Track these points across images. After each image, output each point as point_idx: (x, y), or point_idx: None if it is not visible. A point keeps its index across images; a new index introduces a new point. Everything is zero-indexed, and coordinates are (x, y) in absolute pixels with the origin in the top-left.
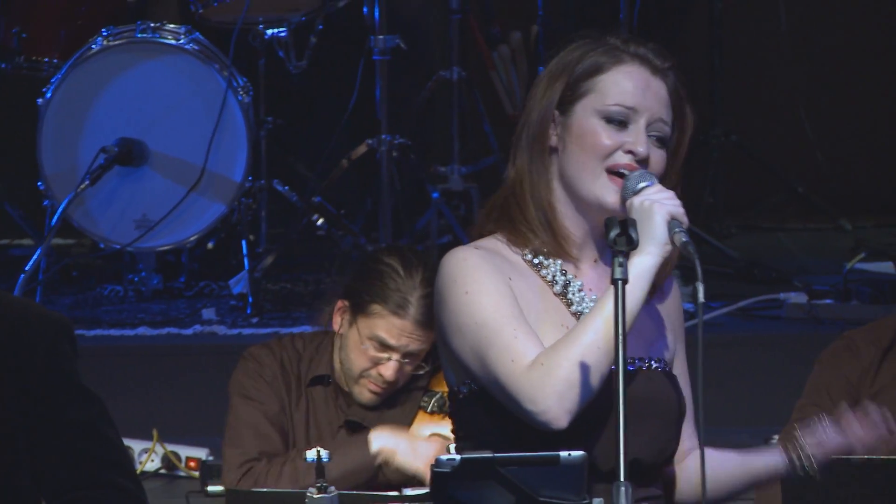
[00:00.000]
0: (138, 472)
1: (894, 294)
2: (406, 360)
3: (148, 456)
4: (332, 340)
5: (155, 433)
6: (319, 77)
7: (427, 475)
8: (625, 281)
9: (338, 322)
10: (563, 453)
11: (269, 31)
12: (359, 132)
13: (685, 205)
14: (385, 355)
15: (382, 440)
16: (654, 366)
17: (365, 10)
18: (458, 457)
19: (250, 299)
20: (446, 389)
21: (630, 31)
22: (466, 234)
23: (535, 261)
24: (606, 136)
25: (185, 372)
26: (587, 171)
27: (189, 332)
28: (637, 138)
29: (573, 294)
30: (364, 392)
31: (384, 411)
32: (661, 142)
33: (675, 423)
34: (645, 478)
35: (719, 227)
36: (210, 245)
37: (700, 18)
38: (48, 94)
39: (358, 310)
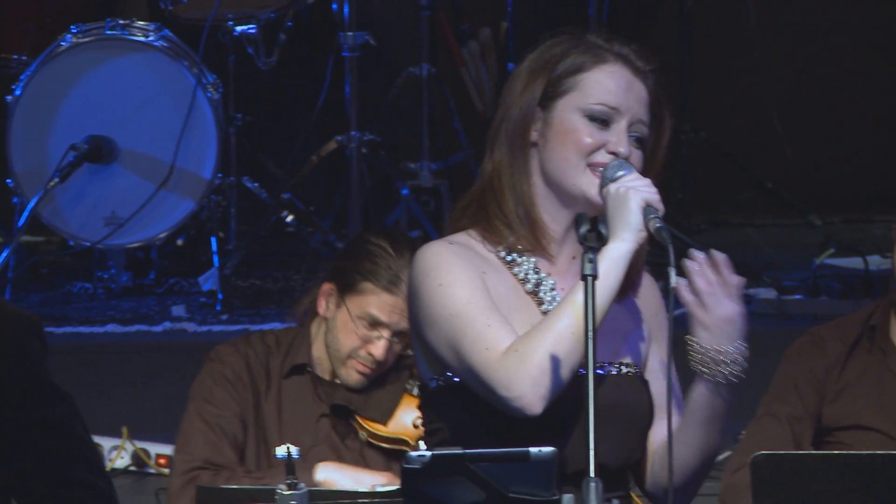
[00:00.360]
0: (108, 469)
1: (863, 289)
2: (395, 339)
3: (118, 453)
4: (308, 332)
5: (125, 430)
6: (289, 74)
7: None
8: (594, 277)
9: (323, 305)
10: (533, 449)
11: (239, 28)
12: (328, 129)
13: None
14: (375, 333)
15: (327, 473)
16: (625, 370)
17: (334, 6)
18: (428, 453)
19: (220, 296)
20: None
21: (599, 28)
22: (438, 229)
23: (509, 258)
24: (589, 135)
25: (154, 369)
26: (570, 167)
27: (159, 329)
28: (619, 138)
29: (544, 293)
30: (352, 373)
31: (370, 394)
32: (640, 142)
33: (642, 430)
34: (610, 483)
35: (688, 223)
36: (179, 242)
37: (670, 15)
38: (17, 92)
39: (347, 289)
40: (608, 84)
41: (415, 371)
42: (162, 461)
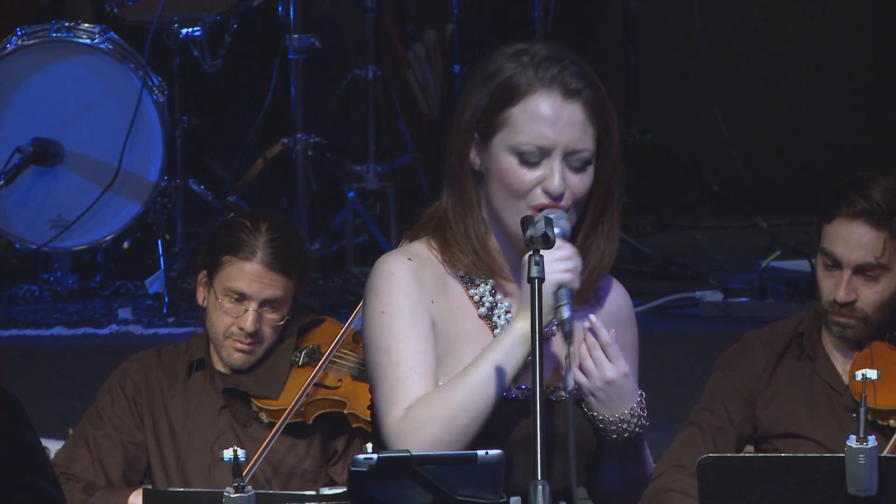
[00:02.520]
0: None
1: (809, 292)
2: (264, 309)
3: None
4: (206, 329)
5: (72, 433)
6: (234, 76)
7: None
8: (541, 280)
9: (201, 295)
10: (481, 452)
11: (184, 31)
12: (274, 131)
13: None
14: (242, 307)
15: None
16: (557, 395)
17: (280, 9)
18: (375, 455)
19: (166, 299)
20: (317, 342)
21: (544, 31)
22: (384, 232)
23: (467, 279)
24: (521, 177)
25: (101, 372)
26: (511, 209)
27: (105, 331)
28: (550, 176)
29: (498, 317)
30: (232, 353)
31: (257, 374)
32: (585, 162)
33: (585, 456)
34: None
35: (635, 226)
36: (126, 244)
37: (615, 17)
38: None
39: (212, 270)
40: (536, 123)
41: (299, 343)
42: None
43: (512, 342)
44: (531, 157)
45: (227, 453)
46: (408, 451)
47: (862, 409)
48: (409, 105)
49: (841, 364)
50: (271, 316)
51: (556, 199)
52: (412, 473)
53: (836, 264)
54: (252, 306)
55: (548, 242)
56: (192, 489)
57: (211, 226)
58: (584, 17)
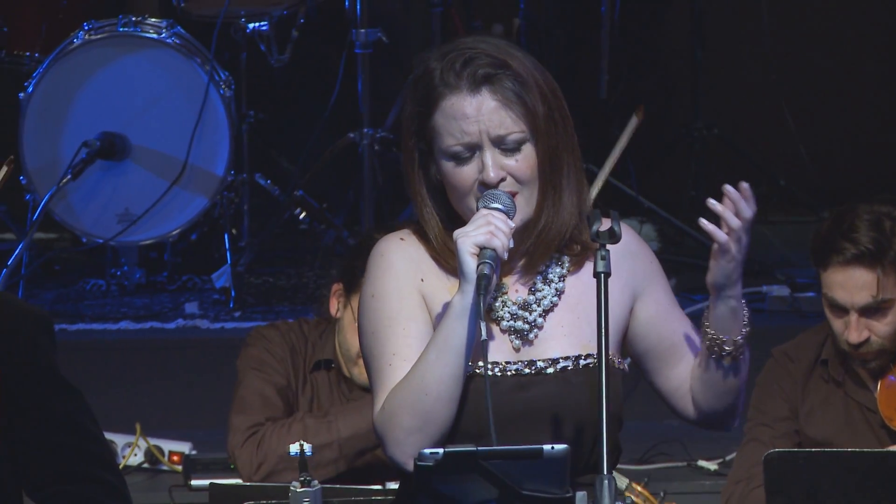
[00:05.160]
0: (121, 466)
1: None
2: None
3: (131, 450)
4: (334, 327)
5: (138, 427)
6: (301, 71)
7: None
8: (607, 274)
9: (334, 306)
10: (546, 446)
11: (251, 25)
12: (341, 126)
13: (668, 197)
14: None
15: None
16: (583, 363)
17: (346, 3)
18: (440, 450)
19: (233, 293)
20: None
21: (612, 25)
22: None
23: None
24: (460, 177)
25: (167, 366)
26: (465, 209)
27: (172, 326)
28: (484, 168)
29: (493, 299)
30: (363, 373)
31: None
32: (517, 143)
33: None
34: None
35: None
36: (192, 239)
37: (682, 11)
38: (30, 89)
39: (351, 289)
40: (454, 121)
41: None
42: (175, 458)
43: (451, 319)
44: (463, 156)
45: (294, 447)
46: (473, 445)
47: None
48: None
49: (871, 383)
50: None
51: (494, 188)
52: (477, 468)
53: (841, 308)
54: None
55: (613, 237)
56: (258, 483)
57: (277, 220)
58: (651, 11)
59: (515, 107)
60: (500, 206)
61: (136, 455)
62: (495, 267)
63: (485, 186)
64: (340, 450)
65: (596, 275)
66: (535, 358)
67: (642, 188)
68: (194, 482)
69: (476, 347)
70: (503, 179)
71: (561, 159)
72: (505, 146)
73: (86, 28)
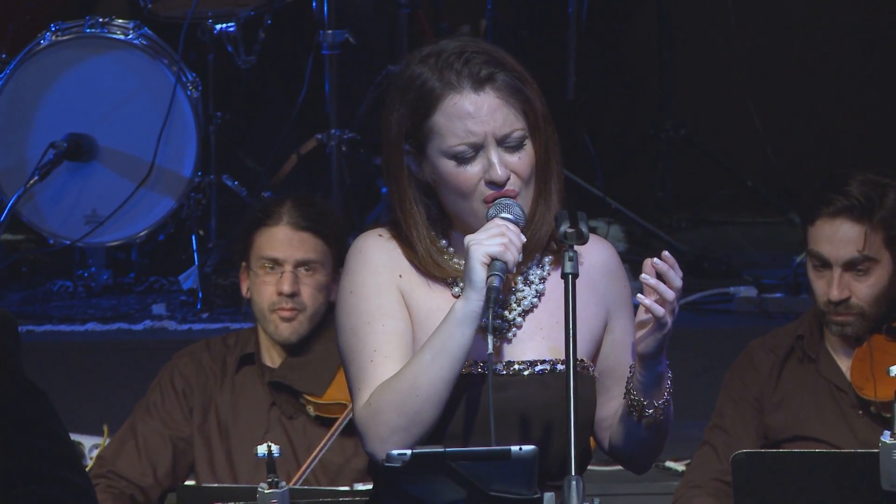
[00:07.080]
0: (88, 468)
1: None
2: (299, 270)
3: (98, 451)
4: (258, 325)
5: (105, 429)
6: (268, 72)
7: None
8: (575, 275)
9: (245, 285)
10: (514, 448)
11: (218, 26)
12: (308, 127)
13: (635, 198)
14: (278, 273)
15: None
16: (560, 367)
17: (314, 4)
18: (408, 451)
19: (200, 294)
20: None
21: (579, 26)
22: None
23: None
24: (463, 177)
25: (135, 367)
26: (465, 211)
27: (139, 327)
28: (490, 167)
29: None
30: (278, 324)
31: (306, 368)
32: (519, 141)
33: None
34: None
35: (669, 221)
36: (160, 240)
37: (649, 12)
38: None
39: (247, 251)
40: (458, 121)
41: None
42: None
43: (451, 324)
44: (466, 155)
45: (262, 449)
46: (441, 446)
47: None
48: None
49: (844, 362)
50: (309, 279)
51: (501, 186)
52: (445, 469)
53: (824, 264)
54: (287, 268)
55: (581, 237)
56: (226, 485)
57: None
58: (618, 12)
59: (517, 104)
60: (511, 217)
61: None
62: (503, 279)
63: (492, 185)
64: None
65: (563, 276)
66: (513, 359)
67: (609, 189)
68: None
69: (469, 352)
70: (508, 178)
71: (552, 158)
72: (508, 144)
73: (53, 29)
